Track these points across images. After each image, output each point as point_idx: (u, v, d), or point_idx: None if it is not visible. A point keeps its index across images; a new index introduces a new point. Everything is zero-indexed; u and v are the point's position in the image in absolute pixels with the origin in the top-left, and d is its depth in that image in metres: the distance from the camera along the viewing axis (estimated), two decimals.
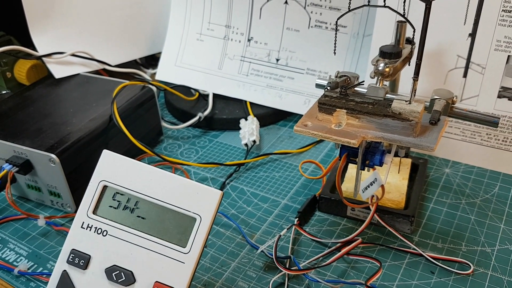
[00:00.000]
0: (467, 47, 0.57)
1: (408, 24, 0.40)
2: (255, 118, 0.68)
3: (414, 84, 0.41)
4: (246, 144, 0.65)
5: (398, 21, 0.50)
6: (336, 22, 0.41)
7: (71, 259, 0.38)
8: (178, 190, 0.37)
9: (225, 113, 0.71)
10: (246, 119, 0.69)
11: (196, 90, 0.74)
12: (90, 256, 0.38)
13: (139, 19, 0.79)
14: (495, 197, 0.56)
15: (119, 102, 0.60)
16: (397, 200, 0.52)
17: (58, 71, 0.68)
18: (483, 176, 0.59)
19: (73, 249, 0.38)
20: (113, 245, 0.37)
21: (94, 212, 0.38)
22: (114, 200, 0.38)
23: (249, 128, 0.66)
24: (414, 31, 0.39)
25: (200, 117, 0.69)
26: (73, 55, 0.69)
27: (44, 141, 0.52)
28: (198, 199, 0.37)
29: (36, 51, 0.68)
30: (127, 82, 0.62)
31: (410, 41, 0.51)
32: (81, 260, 0.37)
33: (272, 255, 0.46)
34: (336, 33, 0.42)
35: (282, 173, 0.62)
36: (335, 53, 0.42)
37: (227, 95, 0.73)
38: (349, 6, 0.39)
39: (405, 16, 0.39)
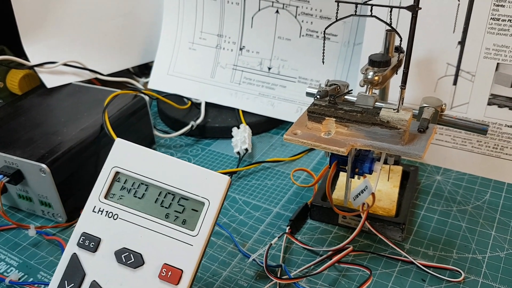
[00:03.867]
0: (456, 55, 0.57)
1: (401, 39, 0.41)
2: (247, 127, 0.68)
3: (402, 93, 0.41)
4: (238, 153, 0.65)
5: (387, 30, 0.50)
6: (324, 31, 0.41)
7: (81, 241, 0.39)
8: (187, 176, 0.38)
9: (218, 122, 0.71)
10: (238, 128, 0.69)
11: (188, 98, 0.74)
12: (100, 239, 0.39)
13: (131, 29, 0.79)
14: (486, 204, 0.56)
15: (110, 111, 0.60)
16: (388, 207, 0.52)
17: (50, 80, 0.68)
18: (474, 183, 0.59)
19: (84, 232, 0.39)
20: (123, 228, 0.38)
21: (105, 197, 0.39)
22: (125, 185, 0.39)
23: (241, 137, 0.66)
24: (401, 40, 0.39)
25: (192, 126, 0.69)
26: (65, 64, 0.69)
27: (35, 151, 0.52)
28: (207, 184, 0.38)
29: (28, 61, 0.68)
30: (118, 91, 0.62)
31: (399, 50, 0.52)
32: (91, 242, 0.38)
33: (263, 264, 0.46)
34: (324, 42, 0.42)
35: (274, 181, 0.62)
36: (323, 62, 0.42)
37: (220, 103, 0.73)
38: (337, 16, 0.39)
39: (392, 25, 0.40)
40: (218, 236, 0.52)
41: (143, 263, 0.37)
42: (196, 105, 0.74)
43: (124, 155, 0.40)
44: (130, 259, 0.38)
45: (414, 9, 0.37)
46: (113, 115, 0.60)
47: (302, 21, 0.69)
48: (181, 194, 0.38)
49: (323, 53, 0.42)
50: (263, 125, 0.72)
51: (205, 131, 0.71)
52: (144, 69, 0.84)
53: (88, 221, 0.39)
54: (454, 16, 0.56)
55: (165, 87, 0.76)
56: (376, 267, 0.48)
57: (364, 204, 0.49)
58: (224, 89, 0.74)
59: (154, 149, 0.69)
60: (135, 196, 0.39)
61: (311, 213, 0.54)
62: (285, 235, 0.51)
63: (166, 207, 0.38)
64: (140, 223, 0.38)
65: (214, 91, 0.74)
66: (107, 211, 0.39)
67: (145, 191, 0.39)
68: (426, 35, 0.58)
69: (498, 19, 0.54)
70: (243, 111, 0.72)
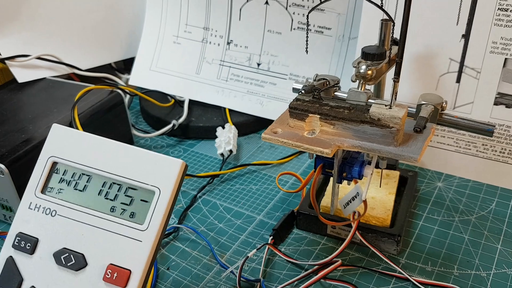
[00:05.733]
0: (460, 50, 0.53)
1: (394, 24, 0.36)
2: (233, 126, 0.64)
3: (395, 86, 0.36)
4: (222, 154, 0.60)
5: (382, 20, 0.46)
6: (307, 16, 0.36)
7: (16, 243, 0.35)
8: (134, 162, 0.35)
9: (202, 121, 0.66)
10: (223, 127, 0.64)
11: (172, 96, 0.70)
12: (37, 239, 0.35)
13: (113, 22, 0.75)
14: (491, 214, 0.51)
15: (83, 108, 0.56)
16: (382, 217, 0.47)
17: (22, 75, 0.64)
18: (479, 190, 0.55)
19: (19, 233, 0.36)
20: (62, 226, 0.35)
21: (42, 192, 0.36)
22: (65, 177, 0.36)
23: (226, 137, 0.61)
24: (394, 25, 0.34)
25: (174, 125, 0.64)
26: (39, 58, 0.65)
27: None
28: (157, 171, 0.34)
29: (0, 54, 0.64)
30: (91, 86, 0.57)
31: (396, 42, 0.47)
32: (27, 243, 0.35)
33: (241, 278, 0.41)
34: (307, 30, 0.38)
35: (260, 186, 0.57)
36: (307, 52, 0.37)
37: (205, 101, 0.69)
38: None
39: (388, 15, 0.35)
40: (193, 246, 0.48)
41: (86, 264, 0.34)
42: (179, 103, 0.69)
43: (62, 143, 0.36)
44: (71, 260, 0.34)
45: None
46: (85, 111, 0.55)
47: (294, 13, 0.64)
48: (128, 183, 0.35)
49: (306, 41, 0.37)
50: (251, 125, 0.67)
51: (188, 131, 0.66)
52: (129, 65, 0.79)
53: (24, 219, 0.36)
54: (458, 7, 0.51)
55: (147, 83, 0.72)
56: (367, 284, 0.43)
57: (355, 212, 0.45)
58: (210, 86, 0.70)
59: None
60: (76, 189, 0.35)
61: (297, 222, 0.50)
62: (267, 246, 0.46)
63: (111, 200, 0.35)
64: (82, 219, 0.35)
65: (199, 88, 0.70)
66: (44, 207, 0.35)
67: (87, 182, 0.35)
68: (426, 27, 0.53)
69: (506, 10, 0.50)
70: (230, 110, 0.68)
